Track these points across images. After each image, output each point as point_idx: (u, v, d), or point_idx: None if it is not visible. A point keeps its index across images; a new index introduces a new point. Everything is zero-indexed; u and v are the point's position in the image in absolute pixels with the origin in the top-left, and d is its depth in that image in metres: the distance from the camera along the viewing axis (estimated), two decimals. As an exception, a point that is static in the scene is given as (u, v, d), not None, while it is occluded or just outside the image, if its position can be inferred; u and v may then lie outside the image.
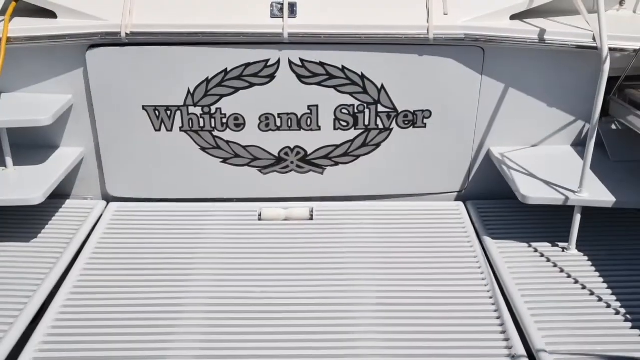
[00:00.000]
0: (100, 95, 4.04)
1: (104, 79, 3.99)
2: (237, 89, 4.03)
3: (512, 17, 4.06)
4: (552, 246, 3.92)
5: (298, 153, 4.24)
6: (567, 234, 3.90)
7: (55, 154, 4.19)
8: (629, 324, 3.28)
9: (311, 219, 4.25)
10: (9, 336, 3.14)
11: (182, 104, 4.06)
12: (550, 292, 3.53)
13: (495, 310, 3.39)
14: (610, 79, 3.61)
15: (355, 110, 4.13)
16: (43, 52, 3.90)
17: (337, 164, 4.28)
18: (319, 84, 4.04)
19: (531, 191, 3.81)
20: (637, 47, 3.81)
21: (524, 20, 4.07)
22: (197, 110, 4.07)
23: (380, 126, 4.17)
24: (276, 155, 4.24)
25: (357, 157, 4.26)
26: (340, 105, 4.11)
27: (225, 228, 4.13)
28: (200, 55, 3.95)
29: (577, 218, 3.80)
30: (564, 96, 4.21)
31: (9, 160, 3.99)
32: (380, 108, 4.12)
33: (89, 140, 4.24)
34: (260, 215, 4.24)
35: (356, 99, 4.09)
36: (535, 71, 4.08)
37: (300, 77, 4.02)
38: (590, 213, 3.87)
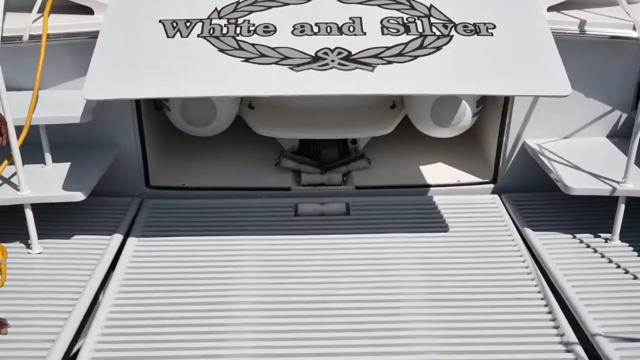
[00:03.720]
0: (114, 14, 3.66)
1: (124, 9, 3.69)
2: (269, 7, 3.69)
3: (550, 9, 4.05)
4: (595, 237, 3.93)
5: (340, 53, 3.46)
6: (607, 224, 3.91)
7: (93, 150, 4.17)
8: None
9: (348, 213, 4.24)
10: (63, 335, 3.14)
11: (205, 17, 3.62)
12: (599, 281, 3.54)
13: (545, 304, 3.40)
14: None
15: (405, 21, 3.61)
16: (81, 49, 3.85)
17: (390, 62, 3.44)
18: (361, 3, 3.72)
19: (575, 182, 3.81)
20: None
21: (562, 11, 4.08)
22: (222, 22, 3.59)
23: (438, 33, 3.57)
24: (312, 54, 3.45)
25: (415, 57, 3.47)
26: (387, 17, 3.63)
27: (263, 220, 4.14)
28: None
29: (621, 208, 3.80)
30: (600, 87, 4.21)
31: (48, 157, 3.96)
32: (434, 20, 3.63)
33: (127, 138, 4.22)
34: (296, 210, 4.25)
35: (404, 13, 3.67)
36: (572, 62, 4.00)
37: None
38: (633, 204, 3.87)
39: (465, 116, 4.35)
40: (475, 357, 3.07)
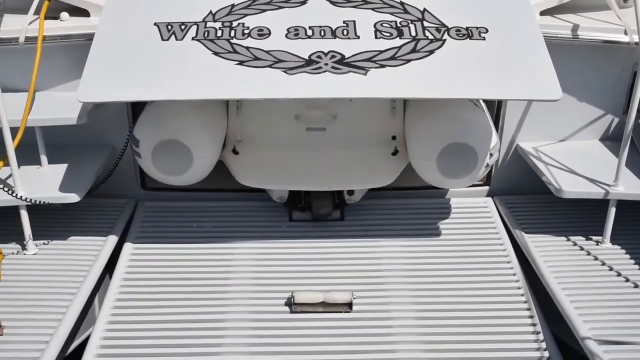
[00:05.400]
0: (109, 17, 3.68)
1: (119, 12, 3.71)
2: (264, 11, 3.70)
3: (542, 13, 4.10)
4: (586, 240, 3.97)
5: (334, 56, 3.47)
6: (598, 227, 3.95)
7: (88, 152, 4.20)
8: None
9: (342, 219, 4.23)
10: (57, 335, 3.20)
11: (200, 20, 3.63)
12: (589, 284, 3.59)
13: (528, 308, 3.48)
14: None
15: (399, 25, 3.62)
16: (77, 50, 3.88)
17: (383, 66, 3.45)
18: (354, 7, 3.75)
19: (566, 185, 3.86)
20: None
21: (555, 15, 4.12)
22: (217, 25, 3.61)
23: (431, 37, 3.57)
24: (306, 57, 3.46)
25: (408, 61, 3.48)
26: (381, 21, 3.64)
27: (258, 224, 4.17)
28: None
29: (612, 211, 3.84)
30: (593, 91, 4.25)
31: (43, 158, 3.99)
32: (427, 24, 3.64)
33: (123, 139, 4.24)
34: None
35: (397, 16, 3.68)
36: (565, 66, 4.07)
37: (334, 3, 3.76)
38: (623, 207, 3.91)
39: (477, 166, 3.85)
40: (453, 355, 3.22)
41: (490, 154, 3.83)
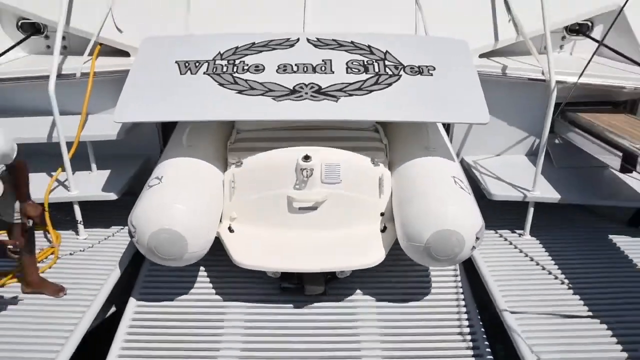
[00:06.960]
0: (141, 56, 4.60)
1: (149, 53, 4.63)
2: (261, 51, 4.61)
3: (481, 56, 5.11)
4: (511, 232, 5.02)
5: (313, 87, 4.28)
6: (521, 223, 4.97)
7: (128, 160, 5.21)
8: (568, 288, 4.34)
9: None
10: (99, 297, 4.22)
11: (211, 58, 4.53)
12: (510, 265, 4.60)
13: (464, 305, 4.32)
14: (554, 105, 4.64)
15: (365, 63, 4.49)
16: (119, 83, 4.69)
17: (351, 95, 4.26)
18: (332, 49, 4.67)
19: (495, 190, 4.89)
20: (575, 81, 4.75)
21: (490, 58, 5.13)
22: (223, 62, 4.49)
23: (390, 73, 4.43)
24: (291, 88, 4.28)
25: (371, 91, 4.28)
26: (352, 59, 4.52)
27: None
28: (234, 34, 4.78)
29: (531, 211, 4.90)
30: (520, 117, 5.28)
31: (93, 166, 5.05)
32: (388, 63, 4.52)
33: (154, 149, 5.23)
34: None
35: (365, 56, 4.58)
36: (498, 98, 5.07)
37: (316, 46, 4.70)
38: (540, 207, 4.92)
39: (464, 250, 3.93)
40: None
41: (477, 238, 3.90)
